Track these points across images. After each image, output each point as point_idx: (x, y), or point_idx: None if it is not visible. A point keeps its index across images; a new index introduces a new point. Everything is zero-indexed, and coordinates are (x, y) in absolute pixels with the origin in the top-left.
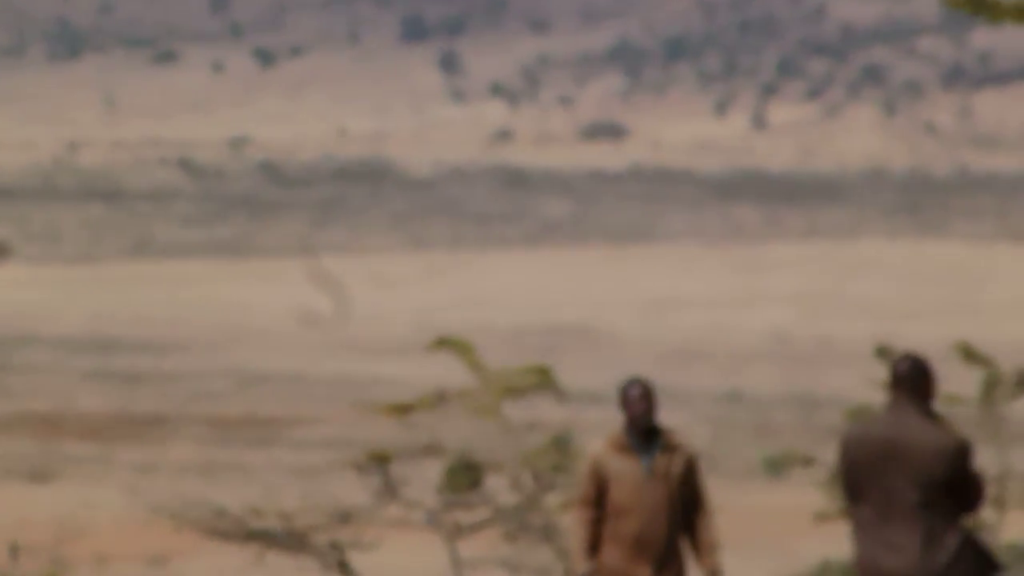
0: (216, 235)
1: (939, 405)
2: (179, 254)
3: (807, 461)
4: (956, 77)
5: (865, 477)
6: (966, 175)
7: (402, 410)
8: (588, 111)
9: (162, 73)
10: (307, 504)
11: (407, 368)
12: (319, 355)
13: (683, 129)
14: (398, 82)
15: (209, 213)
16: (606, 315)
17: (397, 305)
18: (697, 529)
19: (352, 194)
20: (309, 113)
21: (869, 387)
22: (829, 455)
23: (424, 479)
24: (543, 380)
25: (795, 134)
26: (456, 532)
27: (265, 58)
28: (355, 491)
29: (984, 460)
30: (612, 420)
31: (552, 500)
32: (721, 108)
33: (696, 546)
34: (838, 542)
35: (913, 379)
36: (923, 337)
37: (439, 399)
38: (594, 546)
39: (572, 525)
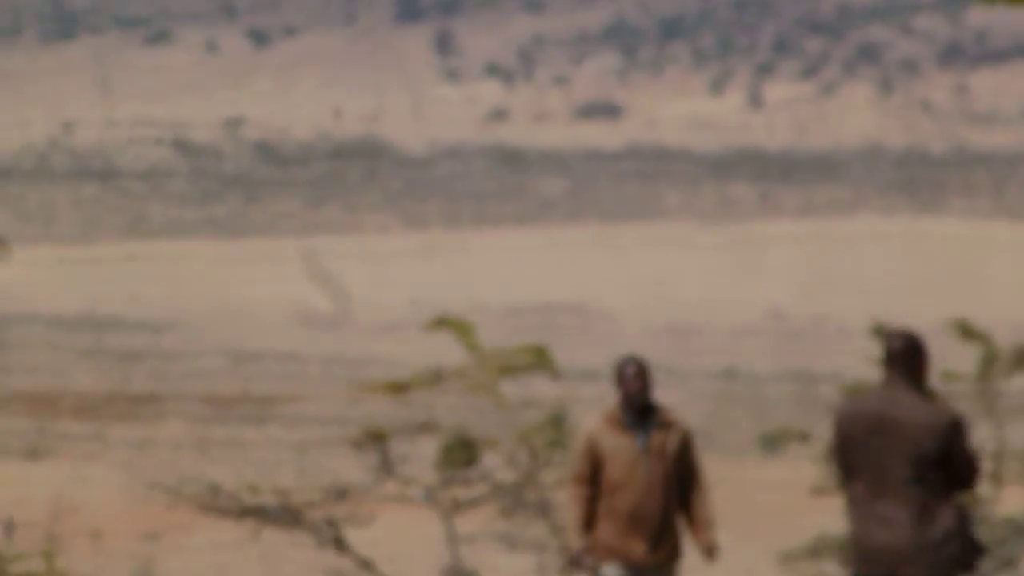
0: (211, 215)
1: (937, 382)
2: (174, 234)
3: (803, 437)
4: (952, 55)
5: (858, 453)
6: (962, 153)
7: (398, 388)
8: (584, 90)
9: (156, 53)
10: (302, 481)
11: (402, 346)
12: (314, 333)
13: (679, 107)
14: (393, 62)
15: (204, 193)
16: (602, 293)
17: (393, 283)
18: (692, 505)
19: (347, 173)
20: (304, 93)
21: (865, 364)
22: (825, 430)
23: (421, 456)
24: (540, 360)
25: (791, 112)
26: (453, 508)
27: (259, 38)
28: (351, 468)
29: (981, 436)
30: (607, 397)
31: (548, 476)
32: (717, 86)
33: (691, 522)
34: (835, 516)
35: (906, 356)
36: (919, 313)
37: (435, 378)
38: (589, 523)
39: (567, 502)
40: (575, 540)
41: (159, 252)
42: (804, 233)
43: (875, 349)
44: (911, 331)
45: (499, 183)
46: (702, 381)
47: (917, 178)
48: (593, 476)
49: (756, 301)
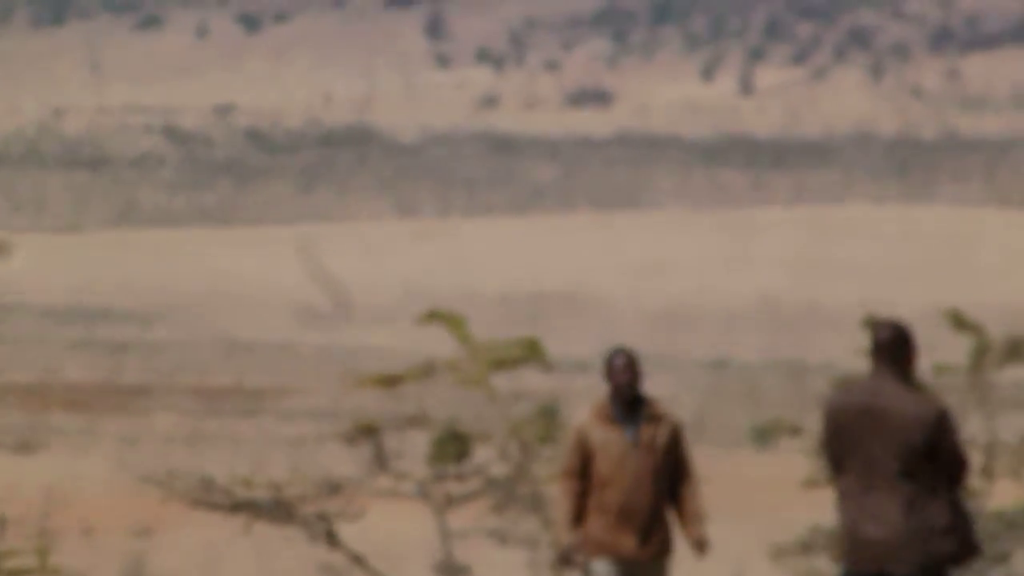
0: (201, 201)
1: (927, 373)
2: (164, 221)
3: (794, 430)
4: (943, 40)
5: (847, 446)
6: (954, 138)
7: (390, 381)
8: (575, 76)
9: (147, 38)
10: (295, 475)
11: (394, 337)
12: (306, 323)
13: (670, 93)
14: (384, 47)
15: (194, 179)
16: (593, 280)
17: (383, 271)
18: (683, 499)
19: (338, 160)
20: (294, 78)
21: (857, 353)
22: (816, 423)
23: (413, 450)
24: (532, 353)
25: (782, 97)
26: (445, 503)
27: (250, 23)
28: (343, 462)
29: (973, 428)
30: (599, 388)
31: (540, 470)
32: (708, 72)
33: (682, 516)
34: (826, 509)
35: (893, 346)
36: (911, 301)
37: (427, 371)
38: (579, 517)
39: (557, 496)
40: (565, 535)
41: (149, 240)
42: (796, 219)
43: (866, 339)
44: (898, 321)
45: (490, 169)
46: (693, 371)
47: (909, 164)
48: (583, 470)
49: (748, 288)
